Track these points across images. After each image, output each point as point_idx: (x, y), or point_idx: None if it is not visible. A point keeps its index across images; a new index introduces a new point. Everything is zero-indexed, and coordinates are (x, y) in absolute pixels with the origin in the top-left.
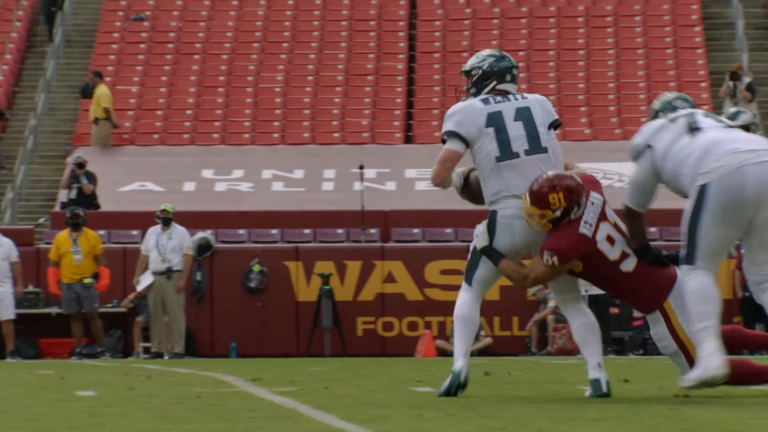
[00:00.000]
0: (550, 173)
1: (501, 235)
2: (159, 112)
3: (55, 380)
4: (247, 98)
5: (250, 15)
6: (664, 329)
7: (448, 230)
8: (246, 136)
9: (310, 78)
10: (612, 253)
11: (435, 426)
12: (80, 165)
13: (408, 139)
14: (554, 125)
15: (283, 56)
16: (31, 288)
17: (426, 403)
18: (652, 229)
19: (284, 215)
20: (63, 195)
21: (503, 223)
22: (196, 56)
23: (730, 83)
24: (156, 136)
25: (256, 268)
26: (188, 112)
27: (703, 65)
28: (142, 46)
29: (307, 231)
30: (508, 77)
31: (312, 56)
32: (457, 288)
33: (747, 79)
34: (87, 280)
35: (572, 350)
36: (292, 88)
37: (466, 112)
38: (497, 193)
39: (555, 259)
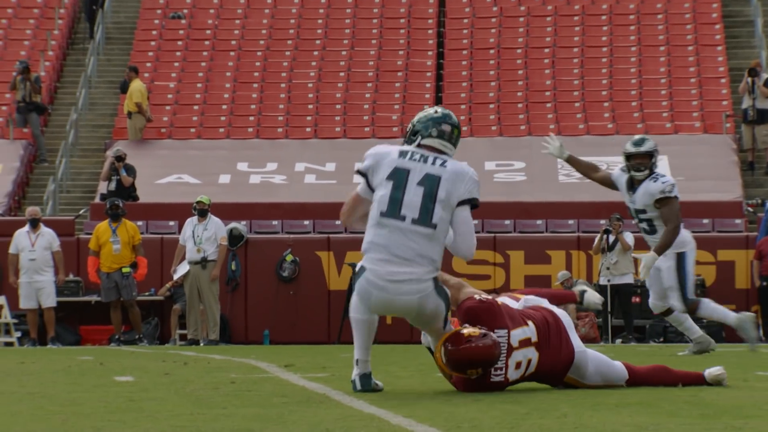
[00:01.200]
0: (465, 344)
1: (360, 294)
2: (195, 107)
3: (94, 366)
4: (281, 93)
5: (284, 13)
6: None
7: (476, 221)
8: (280, 130)
9: (341, 74)
10: (516, 374)
11: (462, 411)
12: (119, 158)
13: None
14: (470, 204)
15: (315, 53)
16: (71, 277)
17: (452, 389)
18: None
19: (316, 207)
20: (103, 187)
21: (364, 287)
22: (232, 53)
23: (749, 79)
24: (192, 130)
25: (289, 258)
26: (224, 107)
27: (723, 62)
28: (179, 43)
29: (338, 222)
30: (434, 132)
31: (344, 53)
32: (487, 277)
33: (765, 75)
34: (125, 270)
35: (595, 338)
36: (325, 83)
37: (380, 159)
38: (371, 245)
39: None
